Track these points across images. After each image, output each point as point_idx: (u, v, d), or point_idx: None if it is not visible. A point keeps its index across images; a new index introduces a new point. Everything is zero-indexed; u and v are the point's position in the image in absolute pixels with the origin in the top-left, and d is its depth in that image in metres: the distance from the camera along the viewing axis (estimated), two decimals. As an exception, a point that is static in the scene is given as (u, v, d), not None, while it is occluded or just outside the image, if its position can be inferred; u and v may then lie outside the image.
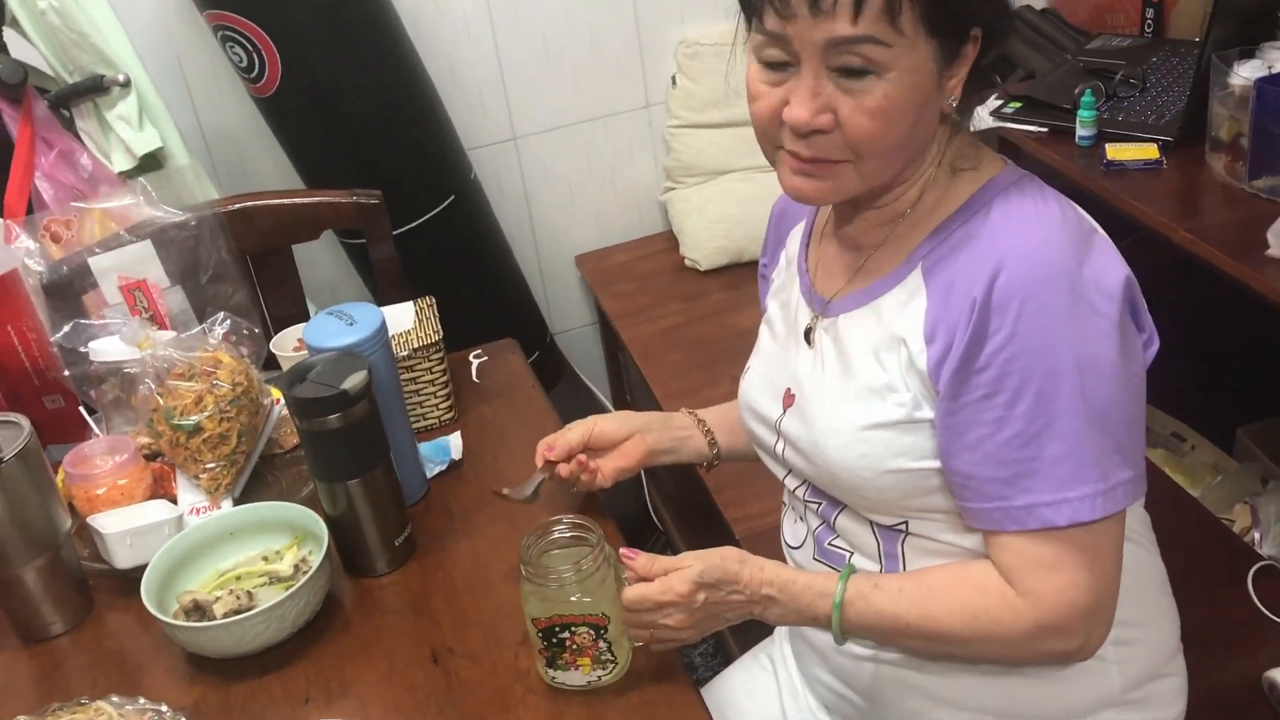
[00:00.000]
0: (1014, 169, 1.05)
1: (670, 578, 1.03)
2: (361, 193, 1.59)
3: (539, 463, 1.28)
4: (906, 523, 1.06)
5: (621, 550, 1.06)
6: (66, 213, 1.47)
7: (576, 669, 1.08)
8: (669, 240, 2.55)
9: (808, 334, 1.12)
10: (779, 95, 0.98)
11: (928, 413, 1.00)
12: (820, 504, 1.13)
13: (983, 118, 1.95)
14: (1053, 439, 0.94)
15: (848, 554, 1.11)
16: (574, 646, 1.07)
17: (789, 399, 1.14)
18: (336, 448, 1.21)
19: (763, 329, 1.24)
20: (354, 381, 1.18)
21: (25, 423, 1.21)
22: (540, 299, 2.57)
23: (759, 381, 1.20)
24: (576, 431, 1.28)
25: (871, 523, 1.08)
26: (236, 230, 1.52)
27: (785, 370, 1.15)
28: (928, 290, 0.99)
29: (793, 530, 1.21)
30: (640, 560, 1.06)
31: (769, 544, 1.24)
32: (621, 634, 1.08)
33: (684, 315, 2.34)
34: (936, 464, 1.01)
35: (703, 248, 2.43)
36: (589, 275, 2.53)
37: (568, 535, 1.10)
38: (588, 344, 2.71)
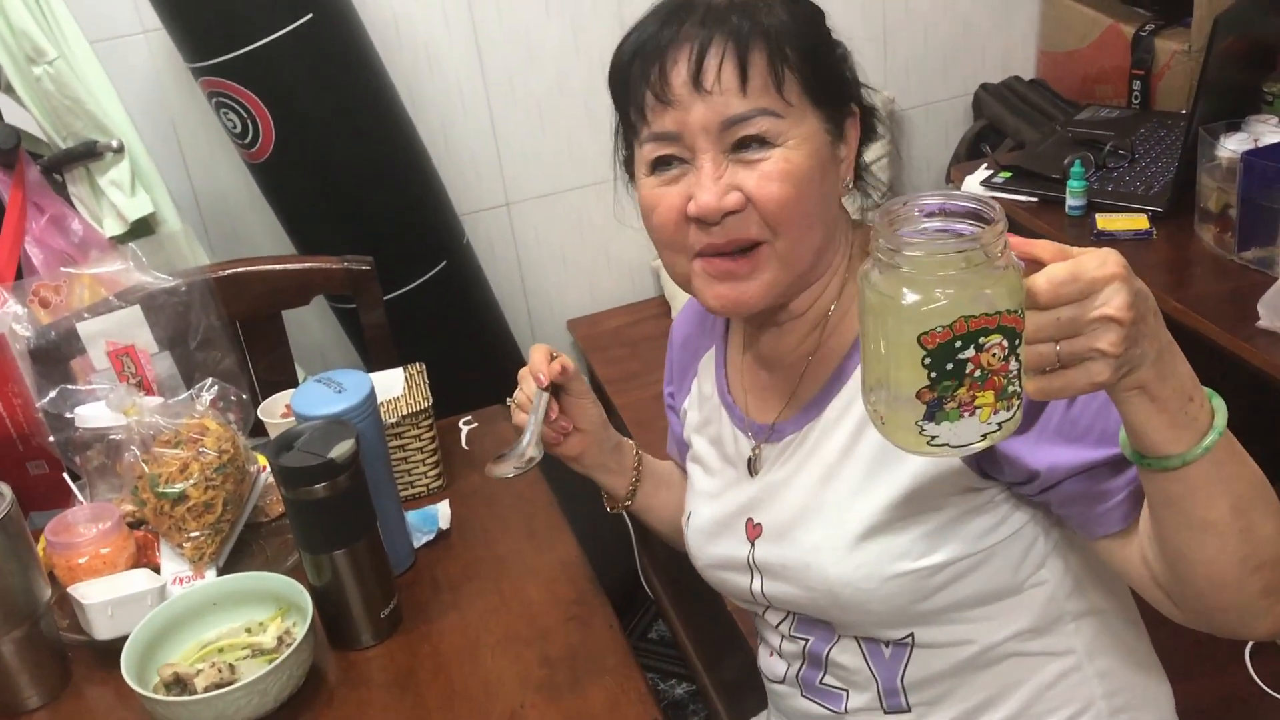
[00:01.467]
0: None
1: (1095, 253, 0.72)
2: (353, 259, 1.59)
3: (529, 391, 1.14)
4: (913, 634, 1.01)
5: (1012, 238, 0.72)
6: (56, 278, 1.46)
7: (973, 413, 0.72)
8: (660, 305, 2.56)
9: (750, 464, 1.09)
10: (678, 194, 0.95)
11: (931, 500, 0.95)
12: (809, 640, 1.08)
13: (972, 187, 1.97)
14: None
15: (842, 692, 1.06)
16: (977, 373, 0.71)
17: (753, 530, 1.09)
18: (322, 518, 1.19)
19: (692, 469, 1.20)
20: (341, 450, 1.17)
21: (6, 491, 1.19)
22: (532, 364, 2.56)
23: (710, 527, 1.14)
24: (579, 376, 1.17)
25: (866, 653, 1.03)
26: (226, 296, 1.52)
27: (736, 505, 1.11)
28: None
29: (769, 665, 1.16)
30: (1039, 243, 0.74)
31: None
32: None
33: (676, 382, 2.33)
34: (940, 558, 0.96)
35: (694, 313, 2.43)
36: (581, 340, 2.53)
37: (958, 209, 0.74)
38: (579, 409, 2.69)
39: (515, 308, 2.54)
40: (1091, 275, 0.70)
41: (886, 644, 1.02)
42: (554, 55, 2.35)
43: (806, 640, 1.07)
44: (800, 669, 1.09)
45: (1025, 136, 2.25)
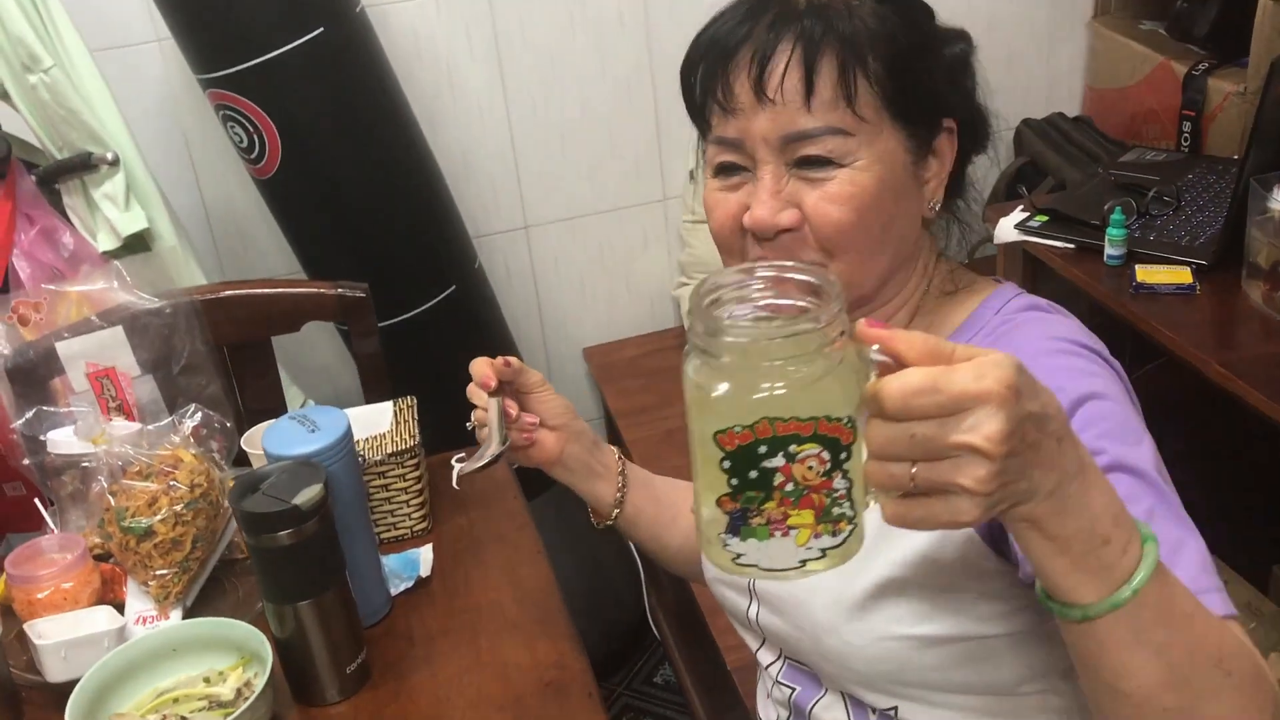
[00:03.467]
0: (1013, 286, 0.96)
1: (979, 362, 0.59)
2: (347, 285, 1.52)
3: (481, 403, 1.09)
4: (897, 709, 0.93)
5: (863, 321, 0.62)
6: (37, 295, 1.41)
7: (785, 534, 0.62)
8: (678, 337, 2.48)
9: None
10: (736, 201, 0.90)
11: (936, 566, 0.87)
12: (795, 690, 1.01)
13: (1006, 230, 1.87)
14: (1180, 520, 0.78)
15: None
16: (789, 487, 0.61)
17: None
18: (286, 566, 1.12)
19: None
20: (307, 496, 1.10)
21: (-45, 524, 1.13)
22: (544, 392, 2.49)
23: None
24: (529, 371, 1.12)
25: (852, 711, 0.96)
26: (214, 319, 1.46)
27: None
28: None
29: (765, 710, 1.09)
30: (904, 334, 0.60)
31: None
32: (860, 474, 0.62)
33: (690, 418, 2.25)
34: (935, 631, 0.89)
35: (714, 348, 2.35)
36: (596, 370, 2.46)
37: (799, 277, 0.63)
38: (592, 440, 2.62)
39: (530, 333, 2.47)
40: (959, 389, 0.57)
41: (874, 711, 0.95)
42: (578, 78, 2.29)
43: (793, 690, 1.01)
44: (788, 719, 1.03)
45: (1066, 176, 2.15)
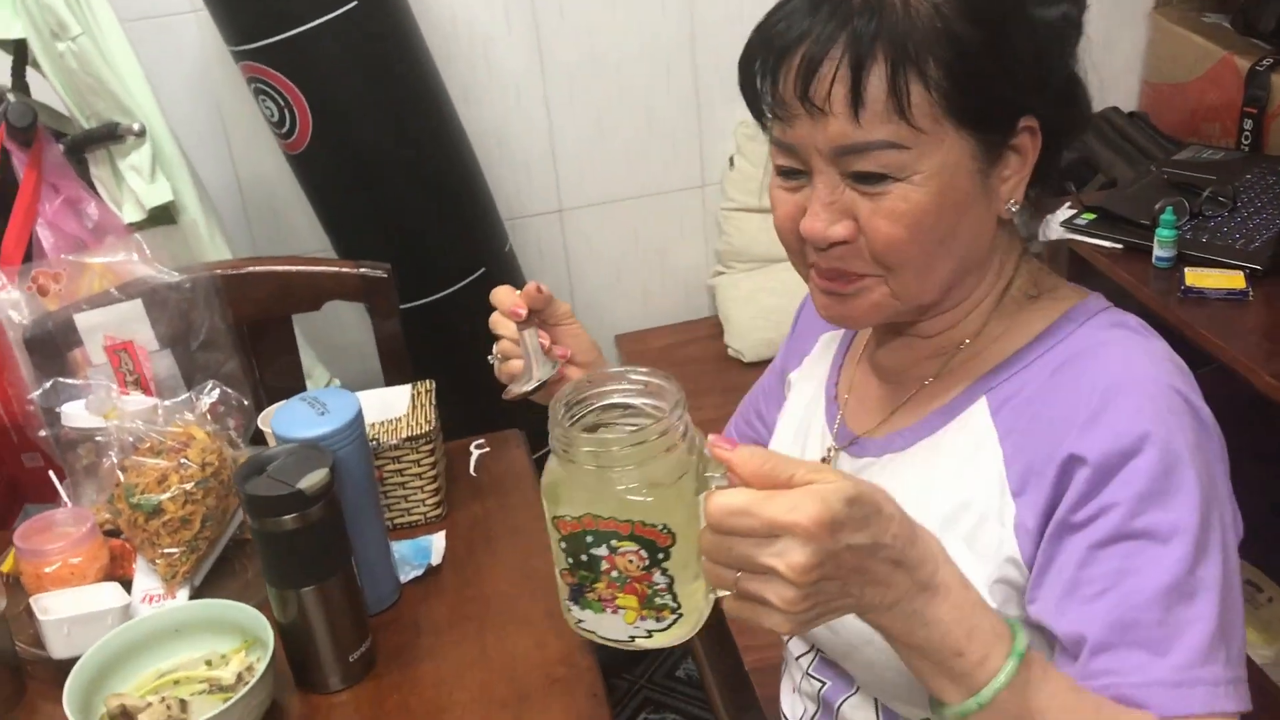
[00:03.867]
0: (1101, 298, 0.89)
1: (799, 492, 0.63)
2: (369, 264, 1.50)
3: (508, 333, 1.02)
4: None
5: (712, 437, 0.67)
6: (57, 265, 1.40)
7: (614, 611, 0.69)
8: (714, 327, 2.43)
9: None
10: (795, 203, 0.85)
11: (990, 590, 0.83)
12: (825, 684, 0.97)
13: (1052, 227, 1.81)
14: (1191, 599, 0.76)
15: None
16: (614, 574, 0.68)
17: None
18: (290, 551, 1.10)
19: (772, 445, 1.08)
20: (312, 480, 1.07)
21: (-41, 495, 1.12)
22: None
23: None
24: (558, 301, 1.05)
25: (882, 716, 0.92)
26: (234, 296, 1.44)
27: None
28: (999, 431, 0.84)
29: (791, 703, 1.05)
30: (743, 454, 0.64)
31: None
32: (695, 572, 0.68)
33: (721, 410, 2.18)
34: None
35: (748, 338, 2.31)
36: (627, 358, 2.42)
37: (630, 394, 0.71)
38: (622, 429, 2.58)
39: (562, 318, 2.44)
40: (768, 516, 0.61)
41: None
42: (618, 59, 2.25)
43: (823, 684, 0.97)
44: (815, 714, 1.00)
45: (1118, 174, 2.08)
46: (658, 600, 0.67)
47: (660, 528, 0.65)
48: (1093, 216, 1.80)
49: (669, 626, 0.68)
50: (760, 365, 2.33)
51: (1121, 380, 0.79)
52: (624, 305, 2.48)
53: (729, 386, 2.28)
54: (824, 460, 0.97)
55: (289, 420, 1.16)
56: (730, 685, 2.05)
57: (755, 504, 0.62)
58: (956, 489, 0.85)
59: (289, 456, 1.11)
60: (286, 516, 1.07)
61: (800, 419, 1.04)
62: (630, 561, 0.66)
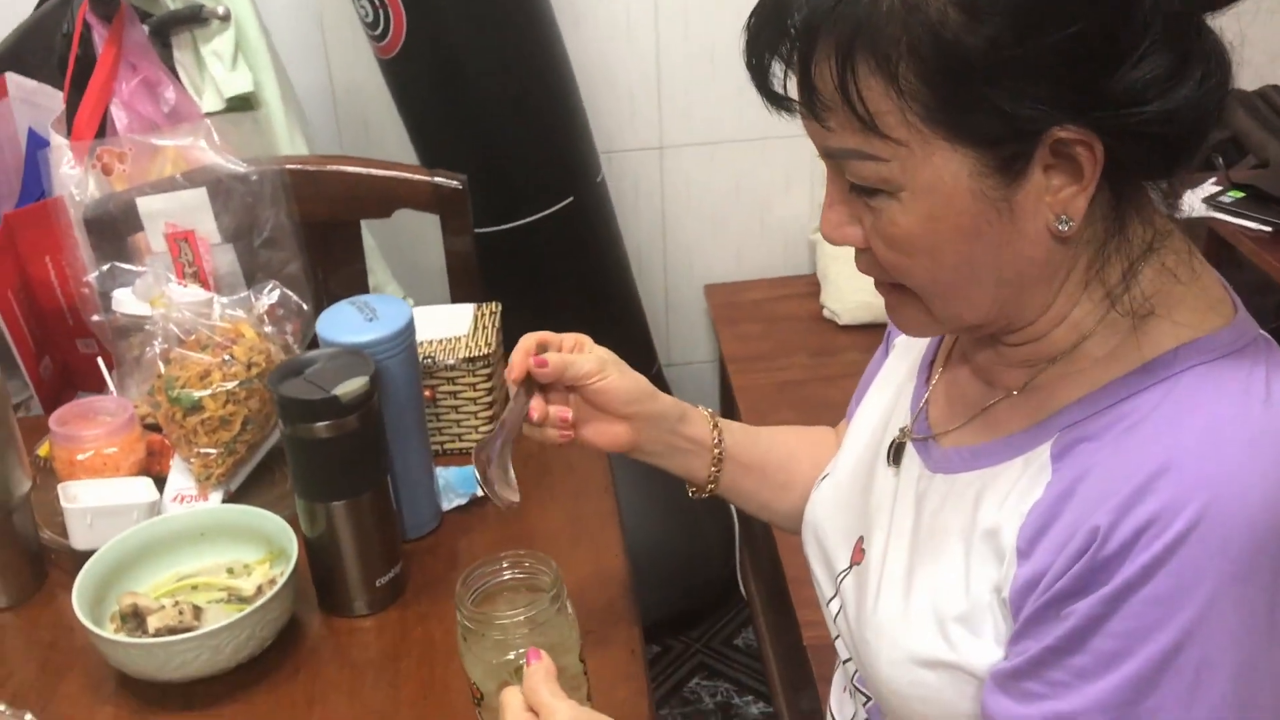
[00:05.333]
0: (1243, 328, 0.71)
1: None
2: (444, 174, 1.41)
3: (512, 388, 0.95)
4: None
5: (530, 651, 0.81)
6: (124, 144, 1.34)
7: None
8: (811, 285, 2.30)
9: (896, 451, 0.86)
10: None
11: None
12: (869, 700, 0.88)
13: (1193, 205, 1.65)
14: None
15: None
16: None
17: (858, 553, 0.86)
18: (321, 461, 1.03)
19: (859, 415, 0.95)
20: (349, 388, 0.99)
21: (-9, 364, 1.06)
22: (658, 325, 2.35)
23: (832, 504, 0.92)
24: (577, 363, 0.94)
25: None
26: (302, 195, 1.36)
27: (862, 501, 0.88)
28: (1052, 475, 0.70)
29: (840, 703, 0.95)
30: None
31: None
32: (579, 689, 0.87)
33: (808, 371, 2.09)
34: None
35: (846, 300, 2.18)
36: (715, 309, 2.31)
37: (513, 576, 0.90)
38: (704, 383, 2.48)
39: (650, 261, 2.33)
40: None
41: None
42: (738, -7, 2.12)
43: (868, 700, 0.88)
44: None
45: (1271, 155, 1.89)
46: None
47: (473, 683, 0.88)
48: (1240, 195, 1.63)
49: None
50: (855, 329, 2.21)
51: (1177, 463, 0.64)
52: (718, 254, 2.37)
53: (820, 348, 2.16)
54: (893, 444, 0.86)
55: (334, 323, 1.08)
56: (789, 660, 1.96)
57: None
58: (984, 554, 0.73)
59: (329, 361, 1.03)
60: (319, 424, 1.00)
61: (895, 388, 0.92)
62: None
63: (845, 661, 0.91)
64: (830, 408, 2.06)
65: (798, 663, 1.89)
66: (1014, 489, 0.72)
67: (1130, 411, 0.68)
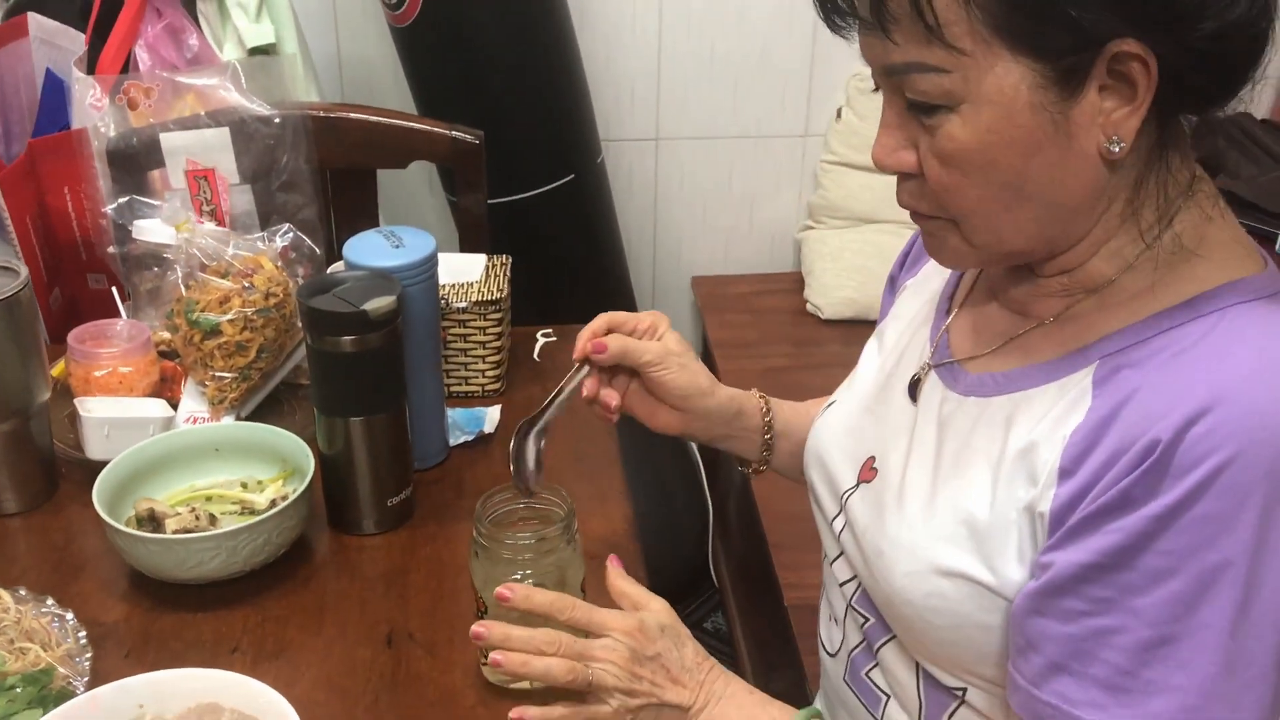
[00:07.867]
0: (1277, 275, 0.75)
1: (633, 616, 0.85)
2: (462, 128, 1.45)
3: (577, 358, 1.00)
4: (966, 689, 0.81)
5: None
6: (150, 79, 1.36)
7: None
8: (795, 281, 2.36)
9: (914, 387, 0.89)
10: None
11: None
12: (868, 620, 0.89)
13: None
14: (1171, 666, 0.68)
15: (884, 696, 0.88)
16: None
17: (868, 471, 0.89)
18: (344, 376, 1.06)
19: (867, 351, 1.00)
20: (378, 305, 1.03)
21: (23, 270, 1.09)
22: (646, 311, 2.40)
23: (840, 427, 0.95)
24: (635, 350, 0.99)
25: (921, 673, 0.84)
26: (321, 141, 1.40)
27: (874, 426, 0.91)
28: (1093, 400, 0.73)
29: (828, 630, 0.97)
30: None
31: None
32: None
33: (790, 360, 2.14)
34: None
35: (829, 295, 2.23)
36: (702, 299, 2.36)
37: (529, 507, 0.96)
38: (687, 372, 2.52)
39: (640, 249, 2.38)
40: (599, 620, 0.85)
41: (935, 684, 0.84)
42: (741, -10, 2.18)
43: (866, 620, 0.89)
44: (855, 649, 0.92)
45: (1244, 172, 1.98)
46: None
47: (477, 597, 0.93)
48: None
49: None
50: (837, 324, 2.26)
51: (1226, 393, 0.67)
52: (706, 247, 2.42)
53: (802, 339, 2.22)
54: (914, 378, 0.89)
55: (362, 248, 1.11)
56: (759, 641, 1.99)
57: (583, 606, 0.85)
58: (1017, 458, 0.76)
59: (357, 281, 1.07)
60: (346, 337, 1.03)
61: (909, 324, 0.95)
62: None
63: (844, 583, 0.94)
64: (810, 394, 2.11)
65: (768, 644, 1.92)
66: (1049, 413, 0.75)
67: (1172, 343, 0.71)
